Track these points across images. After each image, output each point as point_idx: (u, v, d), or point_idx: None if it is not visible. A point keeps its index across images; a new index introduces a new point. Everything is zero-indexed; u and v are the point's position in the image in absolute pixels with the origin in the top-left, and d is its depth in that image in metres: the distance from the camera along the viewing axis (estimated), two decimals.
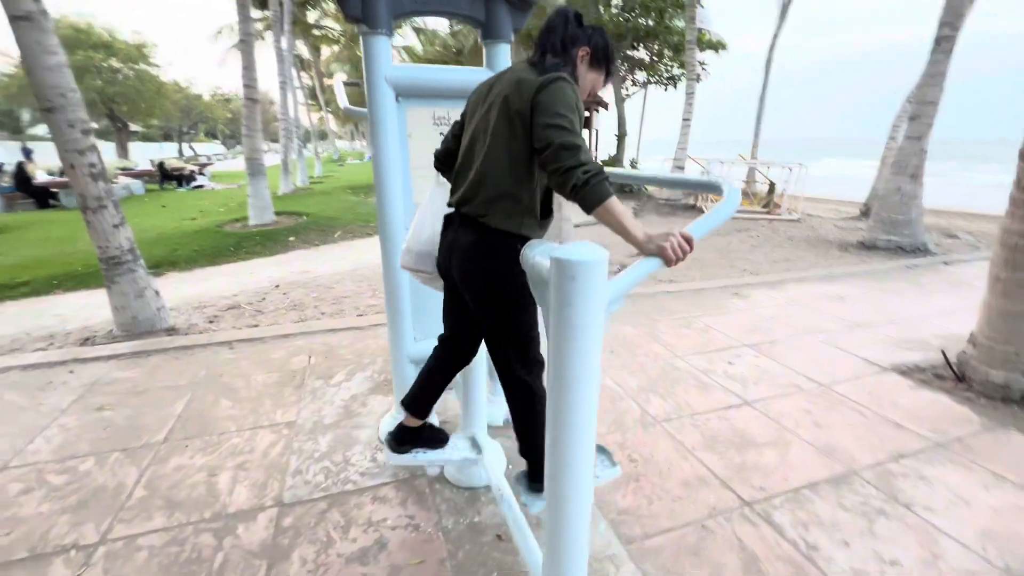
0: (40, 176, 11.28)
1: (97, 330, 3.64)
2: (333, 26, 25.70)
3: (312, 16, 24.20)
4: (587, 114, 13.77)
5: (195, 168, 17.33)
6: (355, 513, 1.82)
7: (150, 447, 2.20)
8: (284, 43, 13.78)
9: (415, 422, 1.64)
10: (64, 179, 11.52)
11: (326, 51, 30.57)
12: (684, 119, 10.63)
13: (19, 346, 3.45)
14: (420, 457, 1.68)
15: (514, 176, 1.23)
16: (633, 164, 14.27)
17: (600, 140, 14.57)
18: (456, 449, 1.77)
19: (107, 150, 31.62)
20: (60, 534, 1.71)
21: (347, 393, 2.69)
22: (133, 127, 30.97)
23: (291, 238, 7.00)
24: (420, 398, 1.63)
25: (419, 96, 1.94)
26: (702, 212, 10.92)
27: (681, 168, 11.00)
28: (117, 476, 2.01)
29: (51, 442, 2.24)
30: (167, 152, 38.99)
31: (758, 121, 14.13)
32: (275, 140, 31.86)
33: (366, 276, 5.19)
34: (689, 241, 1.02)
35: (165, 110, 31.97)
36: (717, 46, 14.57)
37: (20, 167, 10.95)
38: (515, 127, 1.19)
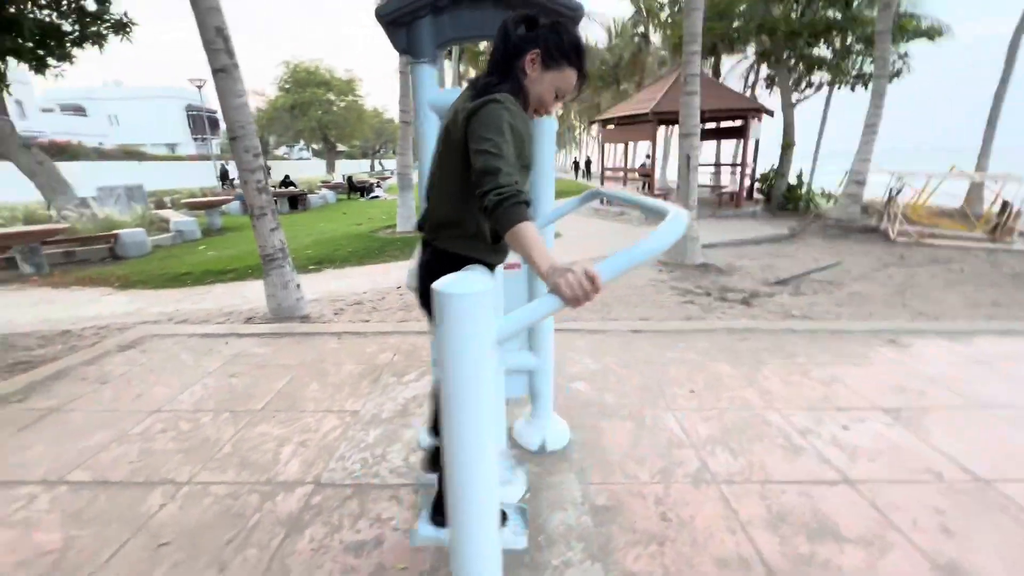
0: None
1: (257, 312, 4.54)
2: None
3: (483, 44, 26.54)
4: (737, 123, 12.43)
5: (375, 181, 20.43)
6: (370, 506, 1.95)
7: (249, 413, 2.68)
8: (460, 68, 15.49)
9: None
10: (289, 189, 14.62)
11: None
12: (868, 124, 8.89)
13: (208, 318, 4.50)
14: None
15: (455, 203, 1.22)
16: (799, 180, 12.40)
17: (759, 151, 13.03)
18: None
19: (320, 167, 39.34)
20: (167, 470, 2.19)
21: (411, 392, 2.89)
22: (340, 147, 37.91)
23: None
24: (437, 421, 1.63)
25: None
26: (887, 238, 8.98)
27: (861, 184, 9.21)
28: (219, 432, 2.49)
29: (193, 396, 2.88)
30: (362, 168, 46.66)
31: (990, 124, 11.10)
32: None
33: None
34: (593, 280, 0.88)
35: (364, 133, 38.40)
36: (932, 33, 11.86)
37: (286, 178, 14.33)
38: (454, 156, 1.18)
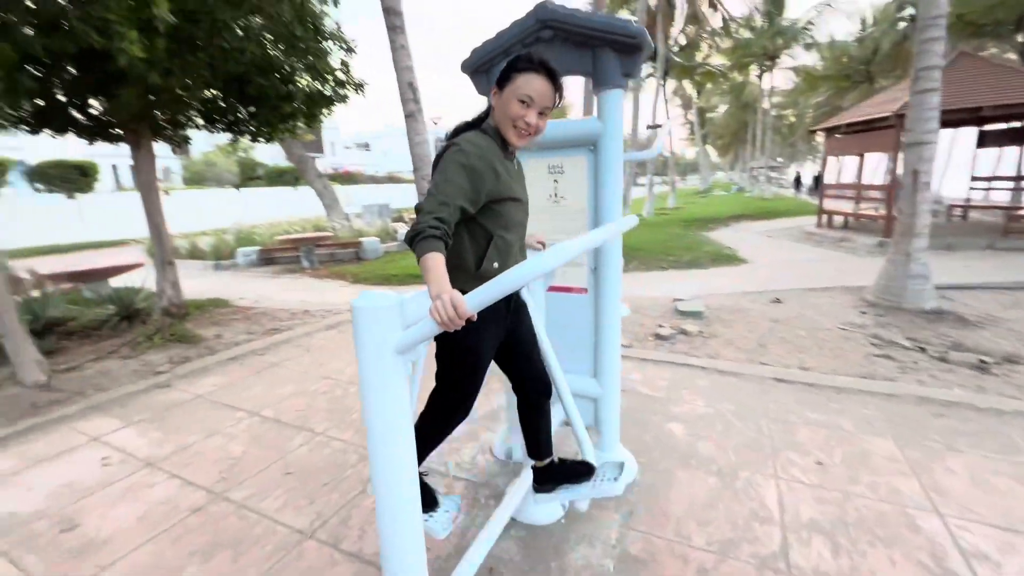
0: None
1: None
2: (716, 62, 26.03)
3: (698, 56, 25.22)
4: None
5: None
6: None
7: None
8: (668, 88, 15.29)
9: (539, 462, 1.77)
10: None
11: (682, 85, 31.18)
12: None
13: None
14: (563, 493, 1.73)
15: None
16: None
17: None
18: (601, 483, 1.72)
19: None
20: (313, 421, 2.90)
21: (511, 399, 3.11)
22: None
23: None
24: (527, 441, 1.78)
25: (535, 150, 2.14)
26: None
27: None
28: (356, 401, 3.15)
29: (352, 369, 3.68)
30: None
31: None
32: (660, 173, 35.20)
33: None
34: (456, 307, 0.94)
35: None
36: None
37: None
38: None
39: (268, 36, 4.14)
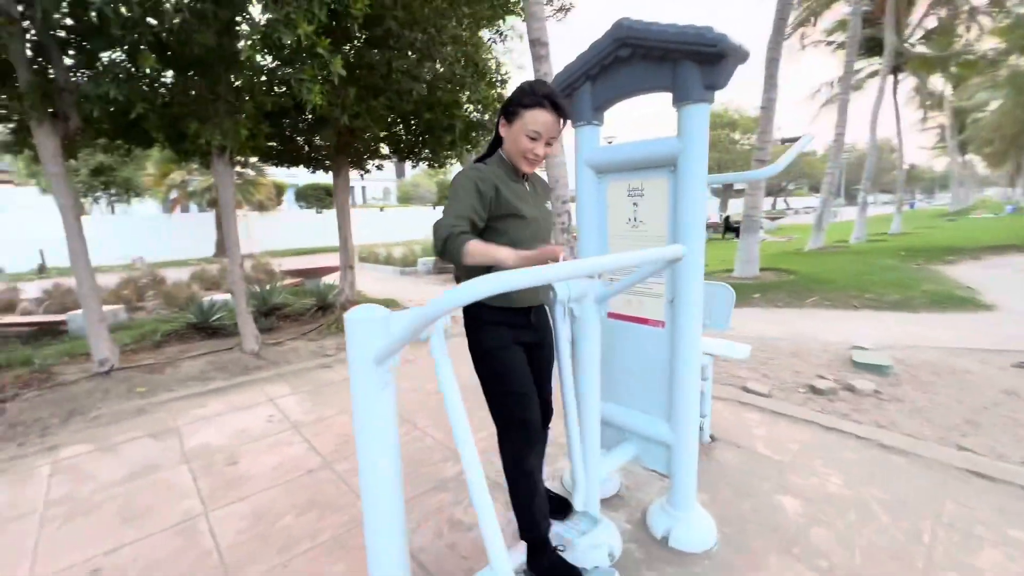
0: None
1: None
2: (984, 46, 20.11)
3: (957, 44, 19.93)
4: None
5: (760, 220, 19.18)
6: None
7: None
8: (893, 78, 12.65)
9: None
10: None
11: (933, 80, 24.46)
12: None
13: None
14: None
15: None
16: None
17: None
18: (576, 526, 1.78)
19: (712, 205, 39.71)
20: (417, 416, 3.22)
21: None
22: (739, 185, 37.01)
23: (756, 295, 6.91)
24: None
25: (616, 171, 2.04)
26: None
27: None
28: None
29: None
30: (765, 205, 43.94)
31: None
32: (888, 191, 28.94)
33: (773, 348, 4.60)
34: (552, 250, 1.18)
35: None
36: None
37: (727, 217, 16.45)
38: None
39: (432, 76, 4.80)
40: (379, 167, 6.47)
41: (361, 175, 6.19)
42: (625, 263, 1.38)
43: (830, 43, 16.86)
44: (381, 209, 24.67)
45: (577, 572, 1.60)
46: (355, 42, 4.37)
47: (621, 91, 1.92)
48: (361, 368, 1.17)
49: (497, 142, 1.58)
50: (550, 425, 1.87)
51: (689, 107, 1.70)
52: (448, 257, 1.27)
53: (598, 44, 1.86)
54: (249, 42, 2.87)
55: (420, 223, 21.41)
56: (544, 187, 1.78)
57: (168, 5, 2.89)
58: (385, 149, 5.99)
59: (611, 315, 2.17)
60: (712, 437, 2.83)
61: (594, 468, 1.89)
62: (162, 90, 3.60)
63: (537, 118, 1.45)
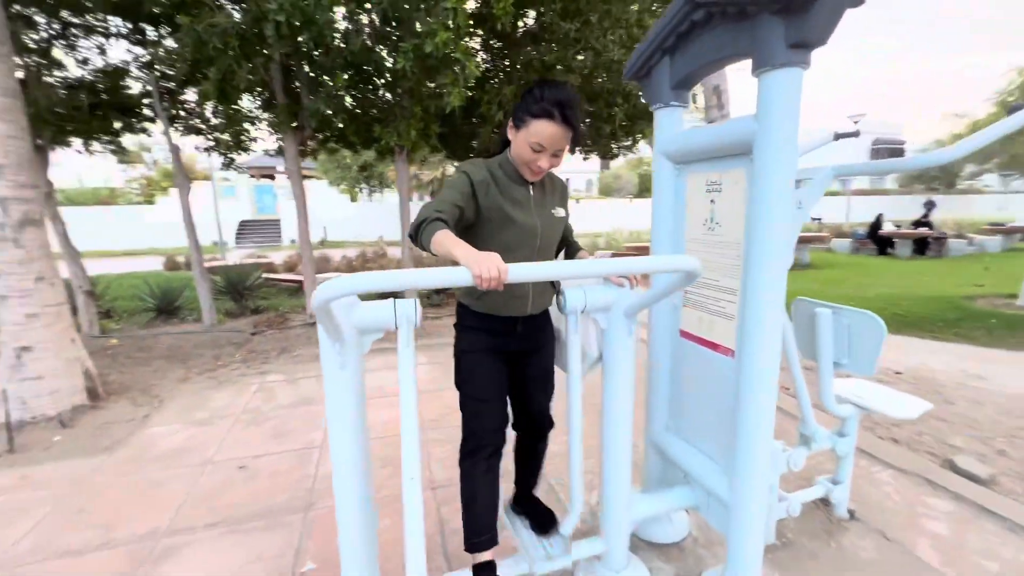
0: (887, 227, 12.70)
1: None
2: None
3: None
4: None
5: None
6: None
7: None
8: None
9: (519, 491, 1.82)
10: (905, 231, 12.36)
11: None
12: None
13: None
14: (517, 524, 1.76)
15: None
16: None
17: None
18: (546, 549, 1.64)
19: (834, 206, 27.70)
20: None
21: None
22: None
23: None
24: (515, 475, 1.82)
25: (695, 160, 1.67)
26: None
27: None
28: None
29: None
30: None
31: None
32: None
33: None
34: (500, 267, 1.08)
35: None
36: None
37: (877, 219, 12.78)
38: None
39: (591, 66, 4.68)
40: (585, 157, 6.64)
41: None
42: (586, 272, 1.20)
43: None
44: (576, 200, 25.29)
45: None
46: (504, 40, 4.57)
47: (702, 62, 1.57)
48: (335, 344, 1.29)
49: (507, 142, 1.49)
50: (547, 436, 1.76)
51: (769, 74, 1.29)
52: (418, 243, 1.25)
53: (671, 9, 1.56)
54: (402, 53, 3.30)
55: (618, 216, 21.27)
56: (560, 193, 1.61)
57: (349, 25, 3.56)
58: None
59: (683, 334, 1.83)
60: (851, 513, 2.13)
61: (623, 502, 1.67)
62: (352, 102, 4.45)
63: (542, 130, 1.33)
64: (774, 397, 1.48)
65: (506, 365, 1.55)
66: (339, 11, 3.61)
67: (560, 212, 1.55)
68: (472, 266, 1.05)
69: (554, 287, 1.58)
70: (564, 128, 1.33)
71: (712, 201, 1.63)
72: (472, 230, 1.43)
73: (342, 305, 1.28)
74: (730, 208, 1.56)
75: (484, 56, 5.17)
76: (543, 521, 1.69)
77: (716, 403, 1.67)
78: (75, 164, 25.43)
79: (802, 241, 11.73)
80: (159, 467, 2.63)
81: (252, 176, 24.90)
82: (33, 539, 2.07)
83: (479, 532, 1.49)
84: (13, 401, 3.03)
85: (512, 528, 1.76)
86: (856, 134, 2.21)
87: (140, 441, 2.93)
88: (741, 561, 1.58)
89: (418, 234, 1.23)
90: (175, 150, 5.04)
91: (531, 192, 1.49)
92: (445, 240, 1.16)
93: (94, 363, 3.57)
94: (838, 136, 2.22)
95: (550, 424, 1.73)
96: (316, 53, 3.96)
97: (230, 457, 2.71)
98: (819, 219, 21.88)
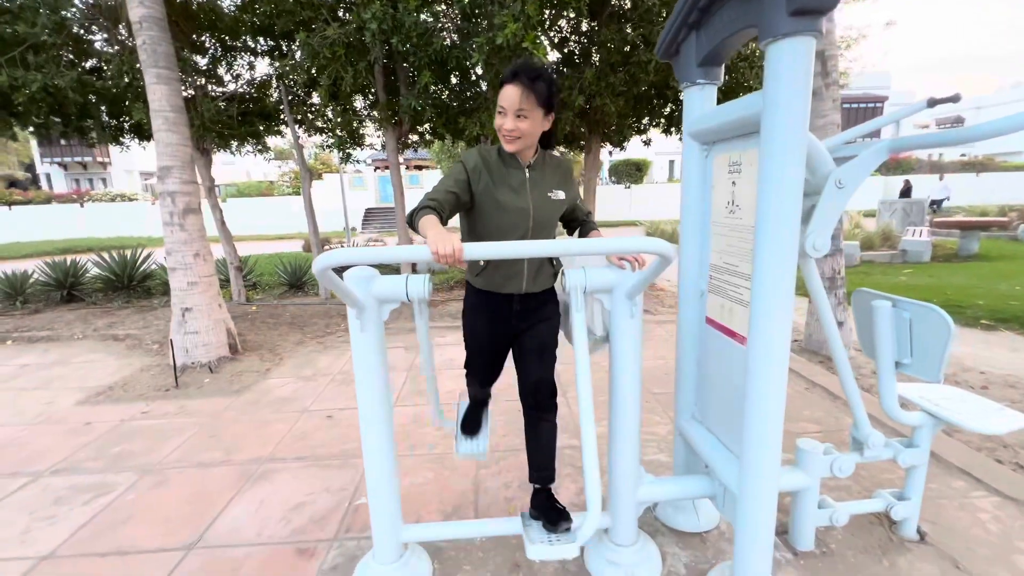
0: None
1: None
2: None
3: None
4: None
5: None
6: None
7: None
8: None
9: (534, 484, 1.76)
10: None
11: None
12: None
13: None
14: (531, 528, 1.69)
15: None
16: None
17: None
18: (550, 532, 1.63)
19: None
20: (653, 382, 3.36)
21: None
22: None
23: None
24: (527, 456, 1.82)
25: (719, 140, 1.59)
26: None
27: None
28: None
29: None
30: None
31: None
32: None
33: None
34: (455, 245, 1.21)
35: None
36: None
37: None
38: None
39: None
40: (645, 142, 6.42)
41: (610, 152, 6.33)
42: (540, 251, 1.28)
43: None
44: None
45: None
46: (584, 24, 4.50)
47: (722, 36, 1.50)
48: (363, 313, 1.53)
49: None
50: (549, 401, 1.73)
51: (774, 45, 1.22)
52: (413, 227, 1.42)
53: None
54: (476, 48, 3.49)
55: None
56: (563, 175, 1.63)
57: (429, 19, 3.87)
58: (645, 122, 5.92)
59: (708, 321, 1.78)
60: (920, 535, 1.89)
61: (630, 486, 1.70)
62: (440, 96, 4.78)
63: (503, 94, 1.45)
64: (783, 387, 1.40)
65: (505, 336, 1.68)
66: (424, 14, 3.91)
67: (559, 194, 1.60)
68: (431, 244, 1.20)
69: (553, 266, 1.66)
70: (518, 87, 1.40)
71: (733, 183, 1.56)
72: (470, 213, 1.56)
73: (361, 279, 1.50)
74: (748, 190, 1.48)
75: (573, 38, 5.17)
76: (554, 518, 1.63)
77: (734, 392, 1.62)
78: (244, 162, 30.47)
79: (969, 227, 9.73)
80: (270, 410, 3.24)
81: (376, 168, 27.48)
82: (180, 453, 2.73)
83: (467, 425, 1.99)
84: (179, 350, 3.92)
85: (525, 536, 1.66)
86: (956, 99, 1.87)
87: (261, 388, 3.61)
88: (747, 556, 1.53)
89: (411, 219, 1.43)
90: (299, 148, 5.89)
91: (527, 175, 1.55)
92: (425, 223, 1.33)
93: (237, 326, 4.43)
94: (933, 102, 1.91)
95: (550, 394, 1.70)
96: (408, 53, 4.34)
97: (322, 408, 3.23)
98: (937, 205, 16.80)
